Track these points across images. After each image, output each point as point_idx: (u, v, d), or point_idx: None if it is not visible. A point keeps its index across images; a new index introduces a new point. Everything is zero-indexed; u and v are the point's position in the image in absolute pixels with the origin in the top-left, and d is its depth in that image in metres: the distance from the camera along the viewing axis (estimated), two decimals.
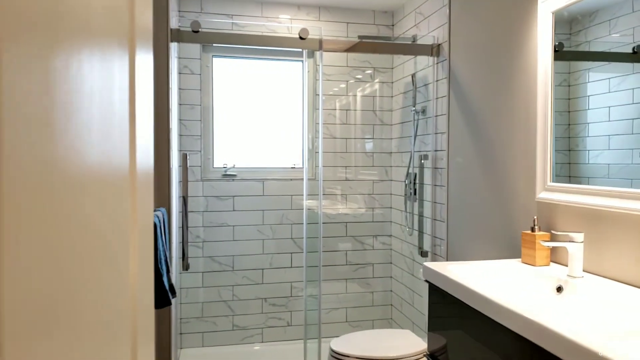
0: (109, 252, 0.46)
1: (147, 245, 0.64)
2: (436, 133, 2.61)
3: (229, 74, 3.11)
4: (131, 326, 0.54)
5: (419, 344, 2.30)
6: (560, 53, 1.67)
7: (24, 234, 0.28)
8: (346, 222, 3.26)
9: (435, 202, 2.63)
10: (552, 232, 1.55)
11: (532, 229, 1.68)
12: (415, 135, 2.84)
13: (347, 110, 3.25)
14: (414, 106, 2.86)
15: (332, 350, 2.22)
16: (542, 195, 1.73)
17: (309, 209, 3.07)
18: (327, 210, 3.23)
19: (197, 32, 2.35)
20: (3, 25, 0.25)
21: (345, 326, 3.27)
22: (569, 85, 1.62)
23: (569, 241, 1.49)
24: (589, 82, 1.53)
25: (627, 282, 1.41)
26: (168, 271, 1.87)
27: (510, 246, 1.96)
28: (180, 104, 2.99)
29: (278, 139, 3.18)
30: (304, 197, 2.97)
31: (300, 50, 3.03)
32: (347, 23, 3.21)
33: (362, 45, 2.55)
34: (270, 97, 3.17)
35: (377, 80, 3.29)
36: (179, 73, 2.98)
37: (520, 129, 1.90)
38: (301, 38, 2.44)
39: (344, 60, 3.23)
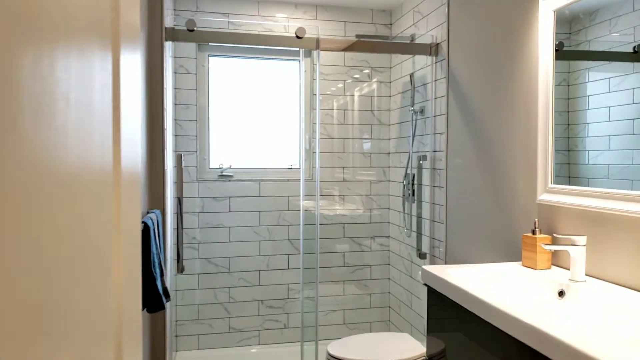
0: (87, 256, 0.44)
1: (134, 248, 0.62)
2: (435, 133, 2.58)
3: (225, 74, 3.07)
4: (115, 331, 0.53)
5: (418, 347, 2.27)
6: (560, 52, 1.66)
7: None
8: (344, 223, 3.23)
9: (433, 204, 2.60)
10: (554, 235, 1.52)
11: (533, 232, 1.65)
12: (414, 136, 2.81)
13: (344, 110, 3.22)
14: (412, 106, 2.82)
15: (329, 354, 2.19)
16: (543, 197, 1.70)
17: (306, 210, 3.04)
18: (324, 211, 3.19)
19: (192, 30, 2.31)
20: None
21: (343, 328, 3.24)
22: (569, 85, 1.61)
23: (571, 244, 1.45)
24: (588, 81, 1.51)
25: (631, 287, 1.38)
26: (162, 274, 1.83)
27: (510, 249, 1.93)
28: (175, 104, 2.95)
29: (275, 139, 3.15)
30: (301, 198, 2.94)
31: (297, 49, 3.00)
32: (345, 22, 3.17)
33: (360, 45, 2.51)
34: (267, 97, 3.13)
35: (375, 80, 3.25)
36: (175, 72, 2.94)
37: (521, 130, 1.87)
38: (298, 37, 2.41)
39: (342, 59, 3.19)
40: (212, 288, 3.04)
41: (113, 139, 0.56)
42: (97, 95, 0.51)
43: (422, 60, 2.76)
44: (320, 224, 3.14)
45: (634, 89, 1.35)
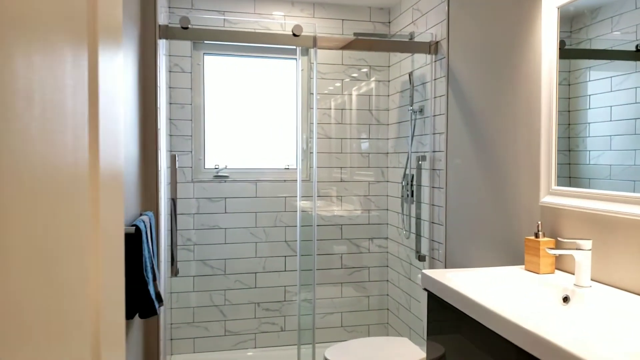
0: (57, 261, 0.42)
1: (115, 252, 0.60)
2: (434, 133, 2.54)
3: (221, 72, 3.02)
4: (92, 339, 0.51)
5: (417, 353, 2.22)
6: (561, 51, 1.64)
7: None
8: (341, 225, 3.19)
9: (433, 205, 2.56)
10: (558, 239, 1.47)
11: (536, 235, 1.61)
12: (413, 136, 2.76)
13: (342, 109, 3.17)
14: (411, 105, 2.78)
15: None
16: (546, 199, 1.66)
17: (303, 211, 3.00)
18: (321, 212, 3.15)
19: (186, 28, 2.26)
20: None
21: (341, 331, 3.20)
22: (569, 84, 1.58)
23: (576, 249, 1.41)
24: (589, 80, 1.49)
25: (638, 293, 1.33)
26: (155, 279, 1.78)
27: (512, 252, 1.89)
28: (170, 103, 2.90)
29: (271, 139, 3.10)
30: (298, 198, 2.89)
31: (294, 47, 2.95)
32: (343, 20, 3.13)
33: (358, 43, 2.46)
34: (264, 96, 3.08)
35: (373, 79, 3.21)
36: (169, 71, 2.89)
37: (522, 129, 1.82)
38: (295, 35, 2.36)
39: (339, 58, 3.15)
40: (207, 290, 2.99)
41: (89, 139, 0.54)
42: (69, 94, 0.47)
43: (421, 58, 2.72)
44: (317, 225, 3.10)
45: (636, 88, 1.33)
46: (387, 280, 3.26)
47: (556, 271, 1.61)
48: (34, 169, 0.37)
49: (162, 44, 2.34)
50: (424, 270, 1.60)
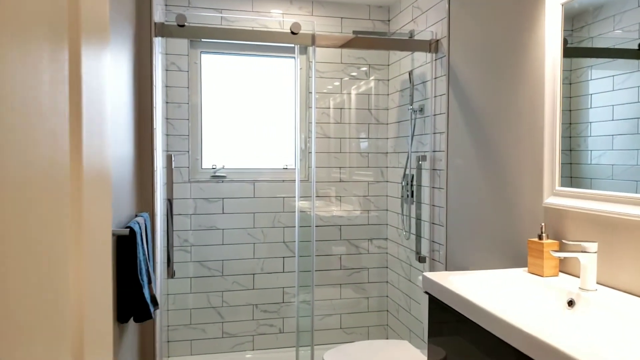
0: (30, 265, 0.39)
1: (102, 256, 0.58)
2: (434, 133, 2.50)
3: (218, 71, 2.98)
4: (73, 344, 0.49)
5: (418, 356, 2.19)
6: (563, 49, 1.61)
7: None
8: (340, 225, 3.15)
9: (433, 205, 2.52)
10: (563, 241, 1.44)
11: (540, 237, 1.57)
12: (413, 135, 2.73)
13: (341, 108, 3.14)
14: (411, 105, 2.74)
15: None
16: (550, 200, 1.62)
17: (301, 212, 2.96)
18: (320, 213, 3.11)
19: (182, 26, 2.22)
20: None
21: (339, 333, 3.16)
22: (570, 83, 1.57)
23: (582, 251, 1.37)
24: (591, 79, 1.47)
25: None
26: (150, 282, 1.75)
27: (515, 254, 1.85)
28: (167, 102, 2.86)
29: (269, 139, 3.07)
30: (297, 199, 2.85)
31: (292, 45, 2.91)
32: (341, 18, 3.09)
33: (357, 41, 2.43)
34: (262, 95, 3.05)
35: (372, 78, 3.17)
36: (166, 70, 2.85)
37: (525, 129, 1.78)
38: (293, 33, 2.32)
39: (338, 56, 3.11)
40: (205, 292, 2.96)
41: (71, 137, 0.52)
42: (46, 91, 0.44)
43: (421, 57, 2.68)
44: (316, 226, 3.06)
45: (638, 87, 1.31)
46: (387, 282, 3.23)
47: (560, 274, 1.57)
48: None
49: (158, 42, 2.30)
50: (425, 273, 1.56)
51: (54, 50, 0.46)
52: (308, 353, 2.86)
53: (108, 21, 0.64)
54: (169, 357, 2.91)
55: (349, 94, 3.15)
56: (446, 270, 2.38)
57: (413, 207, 2.74)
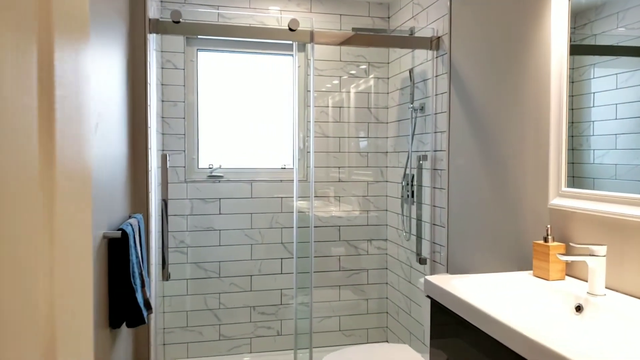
0: None
1: (80, 262, 0.56)
2: (435, 132, 2.45)
3: (215, 69, 2.93)
4: (45, 356, 0.47)
5: None
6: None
7: None
8: (339, 226, 3.10)
9: (434, 206, 2.47)
10: (570, 244, 1.39)
11: (545, 239, 1.52)
12: (413, 134, 2.67)
13: (340, 107, 3.08)
14: (412, 103, 2.69)
15: None
16: (555, 201, 1.57)
17: (300, 212, 2.91)
18: (319, 213, 3.06)
19: (178, 22, 2.16)
20: None
21: (339, 335, 3.11)
22: (572, 82, 1.55)
23: (589, 254, 1.33)
24: (593, 78, 1.45)
25: None
26: (143, 285, 1.69)
27: (518, 256, 1.80)
28: (162, 101, 2.80)
29: (267, 138, 3.02)
30: (295, 199, 2.80)
31: (290, 43, 2.86)
32: (340, 15, 3.04)
33: (357, 38, 2.37)
34: (259, 94, 2.99)
35: (372, 76, 3.12)
36: (162, 68, 2.79)
37: (530, 128, 1.73)
38: (291, 29, 2.27)
39: (337, 54, 3.06)
40: (201, 294, 2.91)
41: (39, 138, 0.48)
42: (8, 88, 0.39)
43: (422, 54, 2.63)
44: (314, 227, 3.02)
45: None
46: (387, 283, 3.18)
47: (567, 277, 1.52)
48: None
49: (153, 39, 2.25)
50: (427, 277, 1.51)
51: (19, 51, 0.42)
52: (306, 356, 2.82)
53: (87, 15, 0.61)
54: None
55: (348, 92, 3.10)
56: (447, 272, 2.33)
57: (413, 207, 2.69)
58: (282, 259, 3.02)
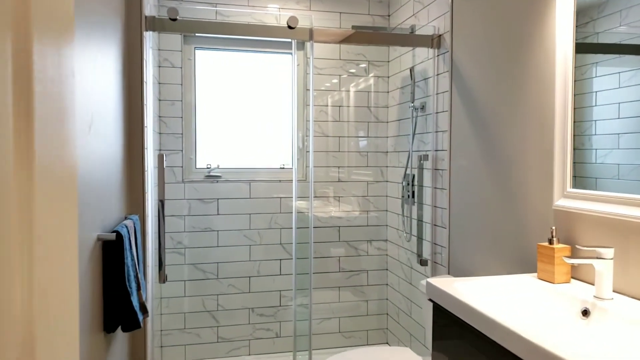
0: None
1: (65, 265, 0.55)
2: (437, 131, 2.41)
3: (213, 68, 2.89)
4: None
5: None
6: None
7: None
8: (339, 226, 3.07)
9: (435, 207, 2.44)
10: (577, 246, 1.35)
11: (550, 241, 1.49)
12: (414, 134, 2.64)
13: (339, 106, 3.05)
14: (413, 102, 2.66)
15: None
16: (560, 202, 1.54)
17: (299, 212, 2.88)
18: (318, 214, 3.03)
19: (174, 20, 2.13)
20: None
21: (338, 337, 3.08)
22: (575, 80, 1.52)
23: (597, 257, 1.29)
24: (595, 76, 1.44)
25: None
26: (139, 288, 1.66)
27: (522, 259, 1.77)
28: (159, 100, 2.77)
29: (266, 138, 2.98)
30: (294, 199, 2.77)
31: (290, 41, 2.82)
32: (340, 13, 3.00)
33: (357, 36, 2.34)
34: (258, 93, 2.96)
35: (372, 75, 3.08)
36: (159, 66, 2.76)
37: (534, 127, 1.70)
38: (290, 27, 2.23)
39: (337, 52, 3.02)
40: (199, 295, 2.87)
41: (15, 138, 0.44)
42: None
43: (422, 53, 2.59)
44: (314, 227, 2.98)
45: None
46: (387, 284, 3.14)
47: (572, 280, 1.49)
48: None
49: (149, 37, 2.21)
50: (429, 279, 1.48)
51: None
52: (306, 358, 2.78)
53: (72, 8, 0.58)
54: None
55: (348, 91, 3.06)
56: (449, 273, 2.29)
57: (414, 208, 2.66)
58: (281, 259, 2.98)
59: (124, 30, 1.96)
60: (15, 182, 0.42)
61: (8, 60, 0.41)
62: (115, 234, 1.50)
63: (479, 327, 1.21)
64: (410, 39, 2.42)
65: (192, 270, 2.86)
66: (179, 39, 2.79)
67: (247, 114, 2.95)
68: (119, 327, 1.61)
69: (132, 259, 1.63)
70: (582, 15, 1.48)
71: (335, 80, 3.04)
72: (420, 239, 2.57)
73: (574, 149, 1.51)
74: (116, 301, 1.54)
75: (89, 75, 1.40)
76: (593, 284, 1.44)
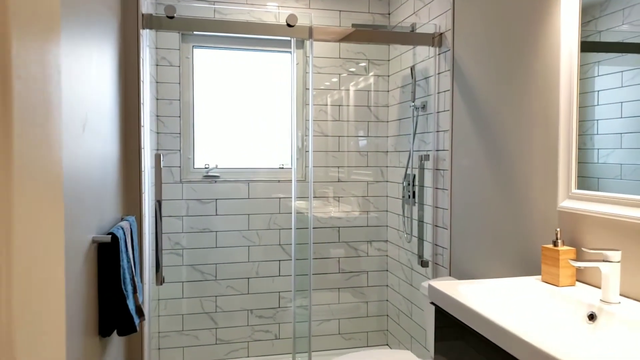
0: None
1: (51, 269, 0.54)
2: (438, 131, 2.38)
3: (211, 66, 2.86)
4: None
5: None
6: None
7: None
8: (338, 227, 3.04)
9: (436, 207, 2.41)
10: (583, 249, 1.32)
11: (554, 243, 1.46)
12: (415, 133, 2.61)
13: (339, 105, 3.02)
14: (413, 101, 2.63)
15: None
16: (565, 203, 1.51)
17: (298, 213, 2.85)
18: (317, 214, 3.00)
19: (172, 17, 2.09)
20: None
21: (338, 339, 3.05)
22: (579, 79, 1.50)
23: (603, 260, 1.26)
24: (598, 75, 1.42)
25: None
26: (135, 291, 1.62)
27: (525, 261, 1.74)
28: (157, 99, 2.73)
29: (264, 137, 2.95)
30: (293, 199, 2.74)
31: (289, 39, 2.79)
32: (340, 11, 2.97)
33: (357, 34, 2.31)
34: (257, 92, 2.92)
35: (372, 74, 3.05)
36: (156, 65, 2.72)
37: (538, 127, 1.67)
38: (289, 25, 2.20)
39: (336, 51, 2.99)
40: (197, 297, 2.84)
41: None
42: None
43: (423, 51, 2.56)
44: (313, 228, 2.95)
45: None
46: (387, 286, 3.11)
47: (577, 283, 1.46)
48: None
49: (146, 35, 2.18)
50: (430, 282, 1.45)
51: None
52: None
53: (57, 7, 0.57)
54: None
55: (348, 90, 3.03)
56: (450, 275, 2.26)
57: (415, 208, 2.63)
58: (280, 260, 2.95)
59: (121, 28, 1.93)
60: None
61: None
62: (110, 236, 1.46)
63: (482, 331, 1.18)
64: (411, 38, 2.39)
65: (190, 272, 2.83)
66: (176, 37, 2.76)
67: (246, 113, 2.92)
68: (115, 331, 1.58)
69: (128, 261, 1.60)
70: (585, 14, 1.47)
71: (334, 79, 3.01)
72: (421, 239, 2.54)
73: (577, 148, 1.49)
74: (112, 304, 1.51)
75: (83, 73, 1.37)
76: (599, 287, 1.41)
